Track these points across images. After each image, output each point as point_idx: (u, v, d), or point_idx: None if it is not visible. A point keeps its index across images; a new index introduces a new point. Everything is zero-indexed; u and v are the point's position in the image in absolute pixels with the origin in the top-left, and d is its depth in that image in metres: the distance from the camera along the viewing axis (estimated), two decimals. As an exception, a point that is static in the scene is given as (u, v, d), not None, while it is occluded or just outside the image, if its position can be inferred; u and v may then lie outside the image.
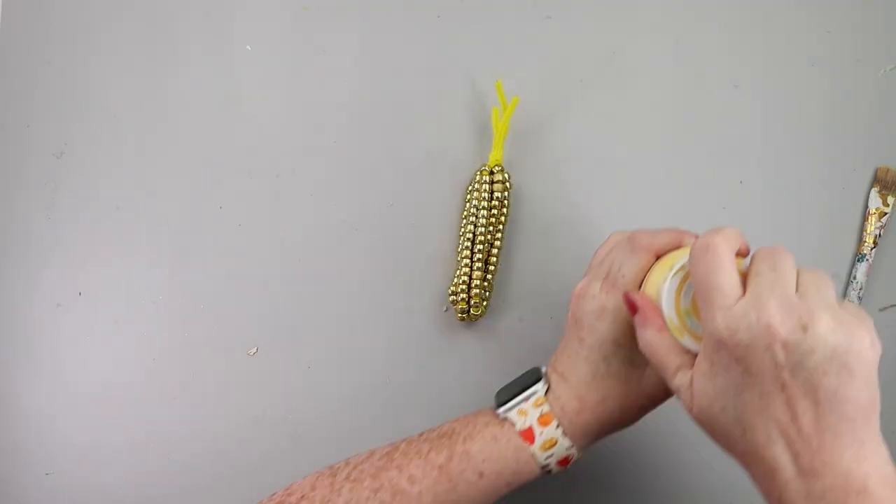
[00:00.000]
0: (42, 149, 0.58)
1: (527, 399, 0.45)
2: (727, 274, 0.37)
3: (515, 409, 0.44)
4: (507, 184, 0.55)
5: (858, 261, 0.58)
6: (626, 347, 0.44)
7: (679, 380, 0.39)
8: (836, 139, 0.59)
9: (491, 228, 0.55)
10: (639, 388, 0.45)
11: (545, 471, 0.45)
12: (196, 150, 0.59)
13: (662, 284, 0.41)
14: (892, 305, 0.58)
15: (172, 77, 0.59)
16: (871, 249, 0.58)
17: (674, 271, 0.41)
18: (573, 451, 0.44)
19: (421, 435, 0.46)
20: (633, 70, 0.59)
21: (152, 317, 0.57)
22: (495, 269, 0.56)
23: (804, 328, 0.35)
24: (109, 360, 0.57)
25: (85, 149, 0.58)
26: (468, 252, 0.55)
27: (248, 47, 0.59)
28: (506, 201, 0.55)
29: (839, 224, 0.60)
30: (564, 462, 0.45)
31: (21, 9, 0.59)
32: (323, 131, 0.58)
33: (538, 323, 0.58)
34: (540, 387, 0.45)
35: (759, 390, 0.36)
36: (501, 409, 0.45)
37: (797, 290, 0.37)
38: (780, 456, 0.36)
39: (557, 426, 0.43)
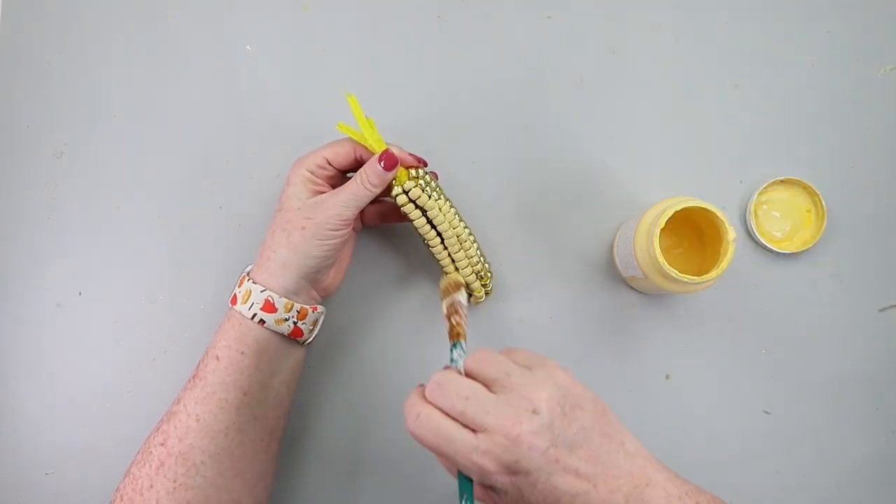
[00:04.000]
0: (42, 149, 0.58)
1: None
2: (453, 433, 0.38)
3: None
4: (421, 187, 0.51)
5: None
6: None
7: None
8: (836, 139, 0.59)
9: (442, 220, 0.52)
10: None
11: (269, 328, 0.48)
12: (196, 150, 0.59)
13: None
14: (892, 306, 0.58)
15: (172, 77, 0.59)
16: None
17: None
18: (269, 293, 0.48)
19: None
20: (633, 70, 0.59)
21: (152, 317, 0.57)
22: (477, 246, 0.54)
23: (534, 411, 0.38)
24: (109, 360, 0.57)
25: (85, 149, 0.58)
26: (440, 252, 0.53)
27: (248, 47, 0.59)
28: (434, 198, 0.51)
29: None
30: (286, 310, 0.48)
31: (21, 9, 0.59)
32: (323, 131, 0.58)
33: (538, 322, 0.58)
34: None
35: (540, 478, 0.38)
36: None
37: (493, 387, 0.39)
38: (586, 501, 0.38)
39: (248, 280, 0.49)
